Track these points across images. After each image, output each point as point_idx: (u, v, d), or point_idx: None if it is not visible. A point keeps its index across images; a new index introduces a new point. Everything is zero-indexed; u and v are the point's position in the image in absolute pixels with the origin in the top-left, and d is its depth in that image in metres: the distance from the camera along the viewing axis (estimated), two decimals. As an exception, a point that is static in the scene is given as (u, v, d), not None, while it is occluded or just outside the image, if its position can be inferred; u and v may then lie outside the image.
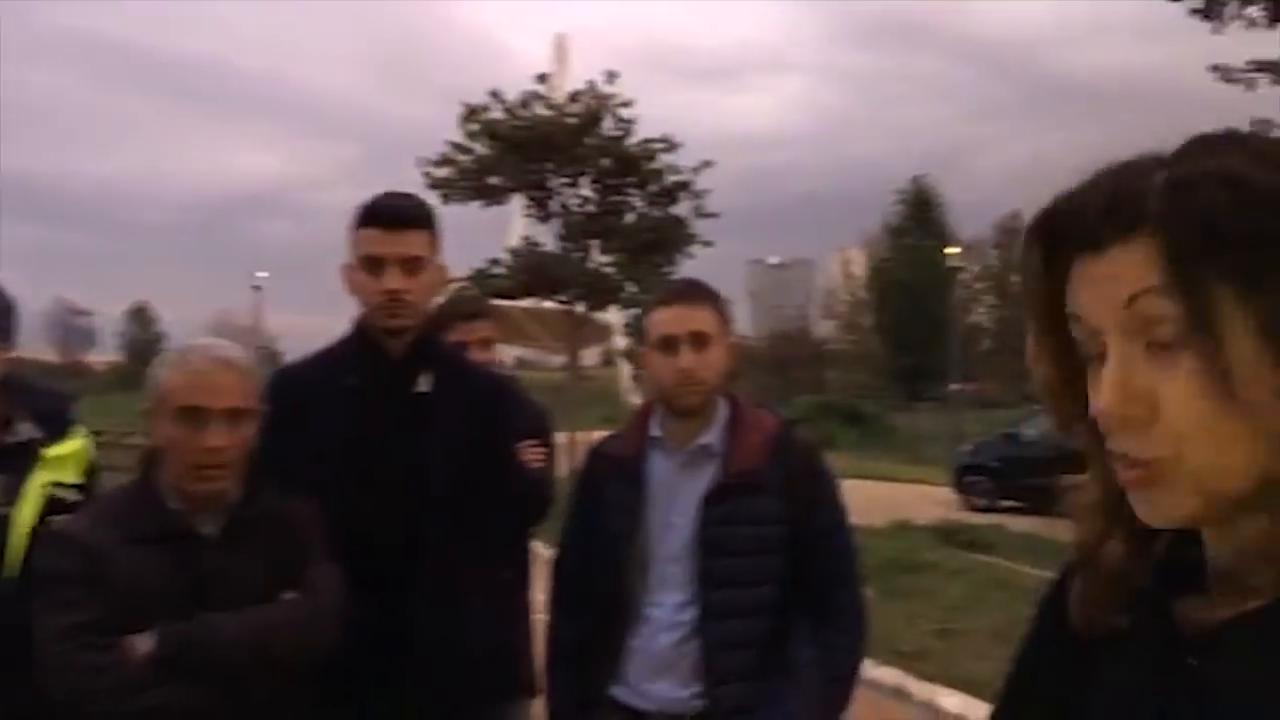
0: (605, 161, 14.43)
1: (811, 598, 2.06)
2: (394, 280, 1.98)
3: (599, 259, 15.52)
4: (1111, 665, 0.70)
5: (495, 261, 15.33)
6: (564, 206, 15.05)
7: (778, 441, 2.09)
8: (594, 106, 14.04)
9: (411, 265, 2.00)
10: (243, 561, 1.77)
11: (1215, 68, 7.29)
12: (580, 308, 15.66)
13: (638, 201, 15.25)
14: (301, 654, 1.77)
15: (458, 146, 14.56)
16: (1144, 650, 0.68)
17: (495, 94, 14.19)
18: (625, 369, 38.00)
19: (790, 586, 2.05)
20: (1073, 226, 0.62)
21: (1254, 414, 0.56)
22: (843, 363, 53.93)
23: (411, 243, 2.01)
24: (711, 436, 2.09)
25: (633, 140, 14.72)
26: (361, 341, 2.07)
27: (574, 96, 14.35)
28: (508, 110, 14.25)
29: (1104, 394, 0.60)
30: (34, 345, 42.79)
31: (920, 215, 52.55)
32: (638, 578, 2.09)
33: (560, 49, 25.78)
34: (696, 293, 2.11)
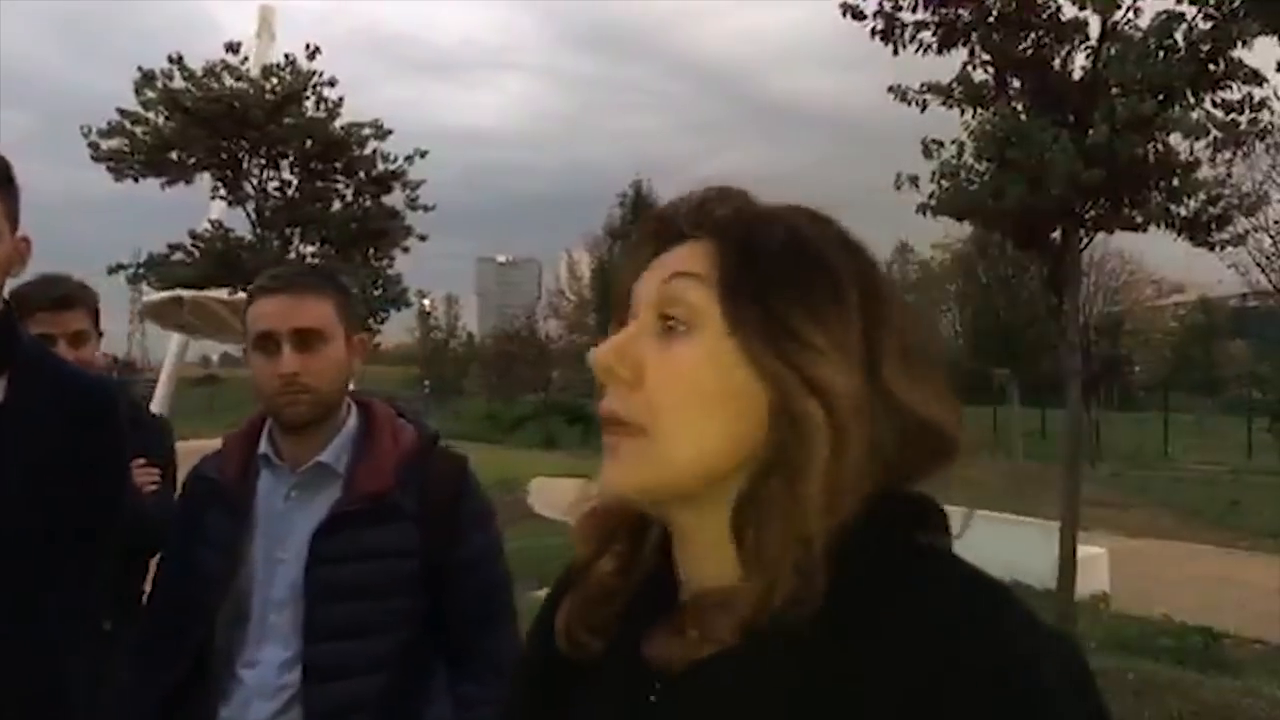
0: (308, 143, 13.35)
1: (454, 645, 1.74)
2: None
3: (303, 249, 14.37)
4: (583, 694, 0.72)
5: (176, 247, 13.77)
6: (261, 189, 13.78)
7: (415, 458, 1.75)
8: (292, 83, 12.92)
9: None
10: None
11: (891, 89, 7.78)
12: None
13: (345, 189, 14.28)
14: None
15: (128, 114, 12.91)
16: (612, 681, 0.70)
17: (177, 60, 12.72)
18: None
19: (429, 633, 1.72)
20: (668, 226, 0.74)
21: (719, 408, 0.66)
22: (568, 362, 54.73)
23: None
24: (331, 454, 1.71)
25: (339, 123, 13.73)
26: None
27: (269, 71, 13.15)
28: (192, 80, 12.82)
29: (601, 347, 0.69)
30: None
31: (640, 218, 54.13)
32: (235, 630, 1.67)
33: (265, 22, 23.79)
34: (305, 280, 1.72)
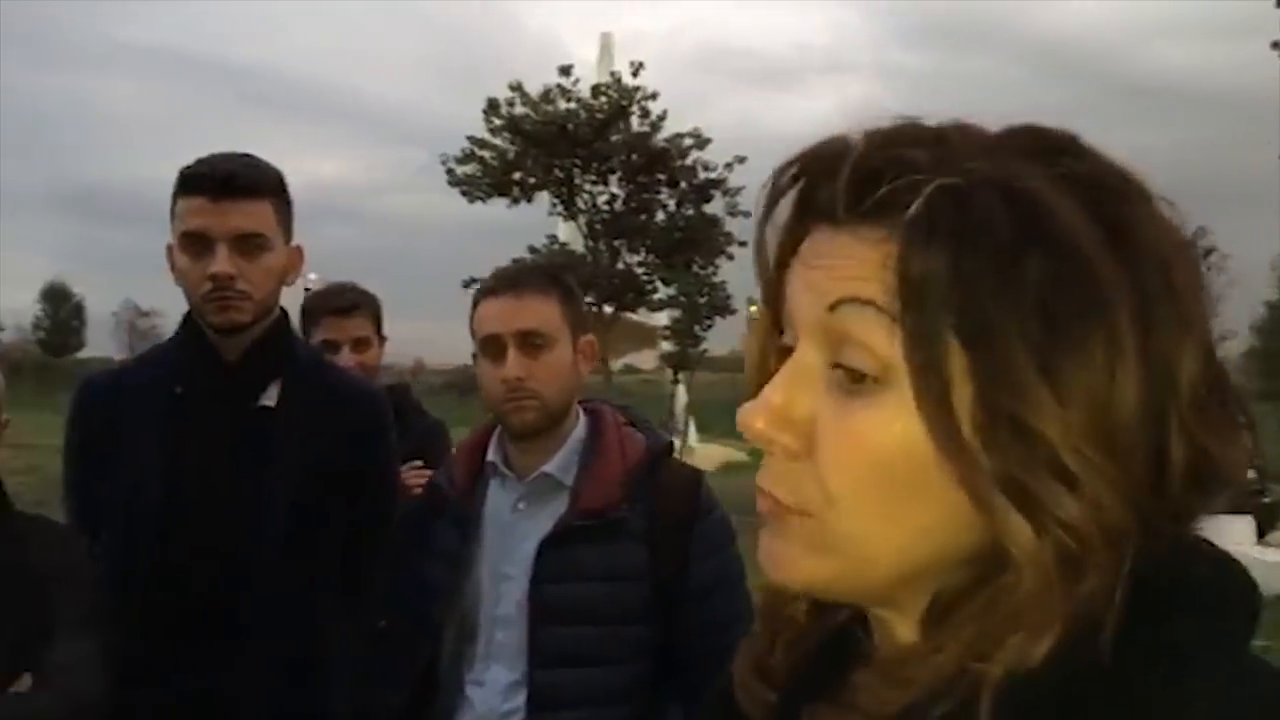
0: (633, 157, 13.96)
1: (685, 683, 1.55)
2: (222, 263, 1.57)
3: (629, 259, 15.06)
4: None
5: (517, 263, 14.97)
6: (591, 204, 14.62)
7: (643, 471, 1.58)
8: (617, 100, 13.55)
9: (246, 244, 1.60)
10: None
11: (1276, 44, 6.58)
12: (609, 309, 15.24)
13: (668, 200, 14.78)
14: None
15: (478, 142, 14.21)
16: None
17: (517, 88, 13.81)
18: (667, 373, 37.64)
19: (663, 666, 1.55)
20: (821, 180, 0.50)
21: (921, 494, 0.46)
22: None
23: (247, 215, 1.60)
24: (557, 464, 1.59)
25: (661, 135, 14.23)
26: (189, 341, 1.66)
27: (597, 90, 13.89)
28: (530, 104, 13.85)
29: (755, 407, 0.51)
30: (104, 346, 43.63)
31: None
32: (463, 646, 1.60)
33: (605, 48, 25.36)
34: (530, 280, 1.60)
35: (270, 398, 1.66)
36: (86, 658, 1.41)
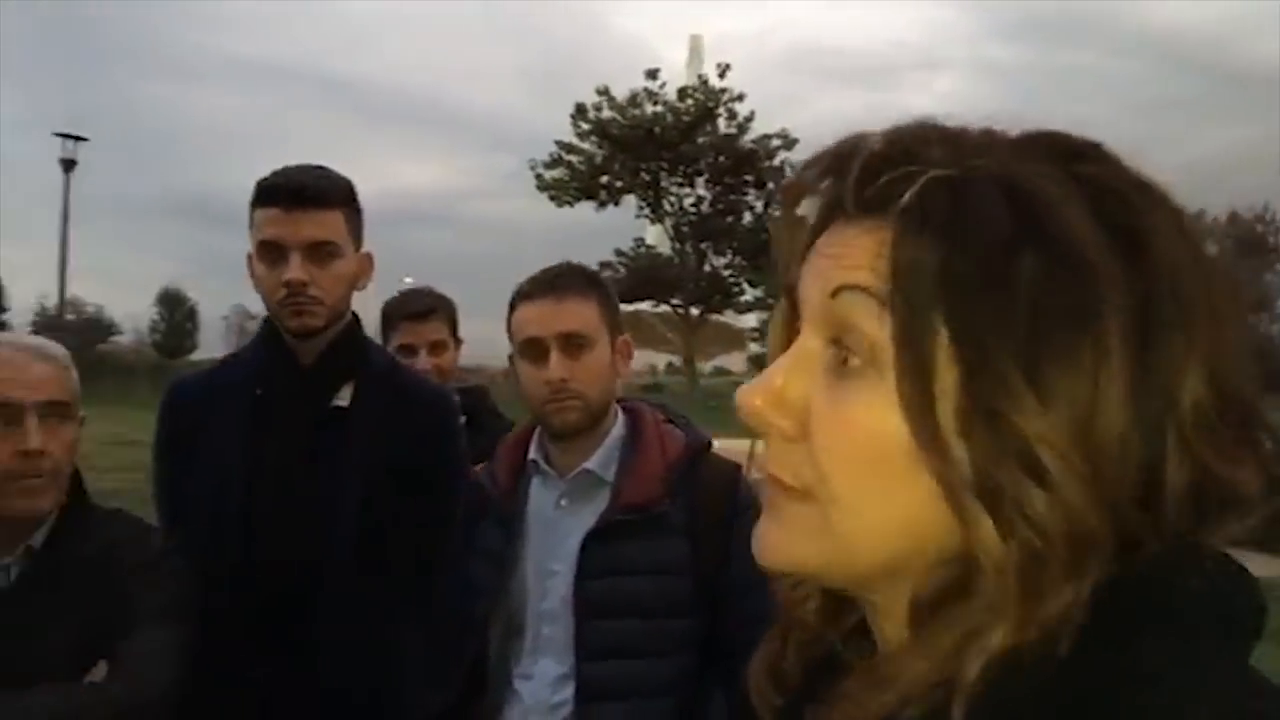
0: (719, 159, 13.92)
1: (730, 671, 1.54)
2: (296, 270, 1.63)
3: (715, 261, 15.04)
4: None
5: (605, 265, 15.09)
6: (678, 206, 14.64)
7: (683, 466, 1.59)
8: (704, 102, 13.54)
9: (318, 252, 1.66)
10: (39, 623, 1.38)
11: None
12: (696, 312, 15.24)
13: (755, 201, 14.71)
14: None
15: (566, 146, 14.39)
16: None
17: (604, 92, 13.92)
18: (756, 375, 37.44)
19: (707, 656, 1.55)
20: (837, 175, 0.51)
21: (909, 476, 0.46)
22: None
23: (320, 225, 1.66)
24: (598, 461, 1.60)
25: (749, 137, 14.16)
26: (268, 345, 1.74)
27: (684, 93, 13.91)
28: (616, 108, 13.96)
29: (754, 386, 0.52)
30: (215, 348, 45.60)
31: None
32: (510, 642, 1.62)
33: (694, 50, 25.37)
34: (568, 282, 1.61)
35: (344, 398, 1.72)
36: (161, 649, 1.44)
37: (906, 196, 0.46)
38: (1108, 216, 0.45)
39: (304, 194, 1.66)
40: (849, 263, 0.49)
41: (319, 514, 1.67)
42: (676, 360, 36.47)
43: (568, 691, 1.55)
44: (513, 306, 1.64)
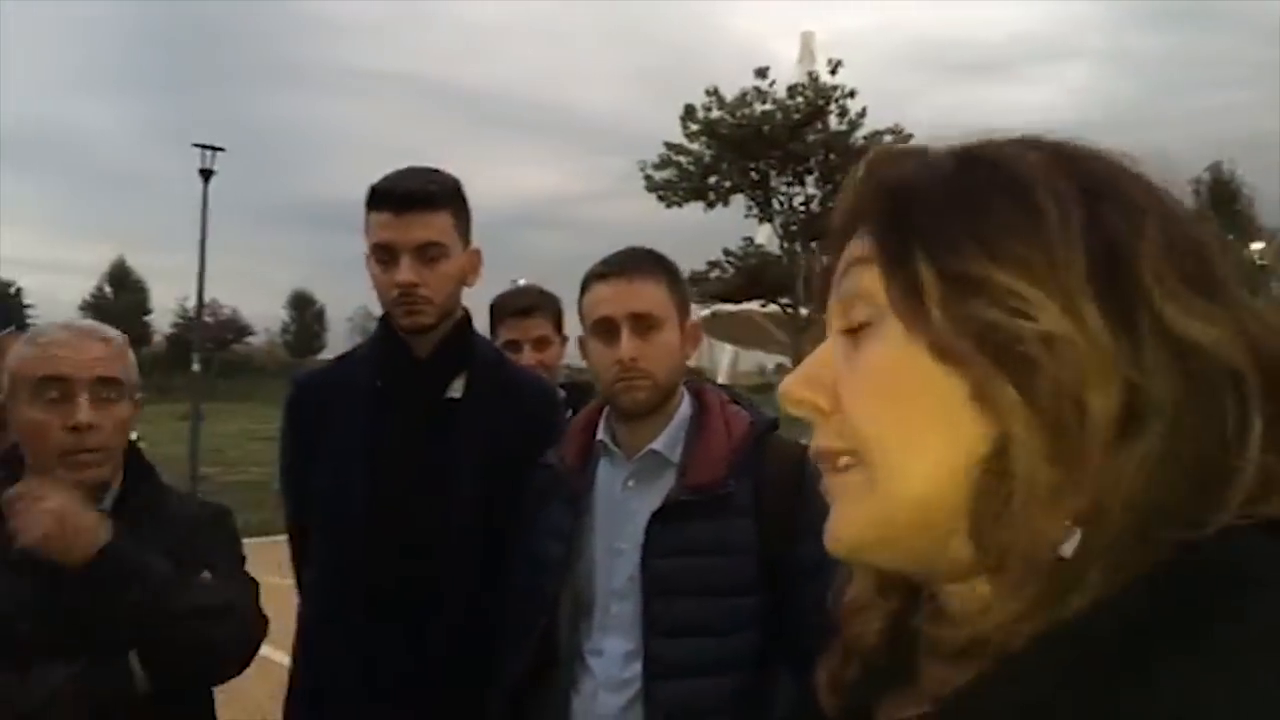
0: (829, 156, 13.72)
1: (798, 649, 1.54)
2: (407, 272, 1.71)
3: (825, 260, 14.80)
4: None
5: (714, 265, 15.04)
6: (788, 206, 14.49)
7: (748, 447, 1.59)
8: (814, 99, 13.36)
9: (427, 253, 1.73)
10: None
11: None
12: (805, 311, 15.05)
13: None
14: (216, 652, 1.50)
15: (675, 147, 14.41)
16: None
17: (713, 92, 13.89)
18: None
19: (772, 636, 1.55)
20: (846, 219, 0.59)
21: (931, 414, 0.50)
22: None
23: (428, 227, 1.73)
24: (664, 441, 1.62)
25: (860, 133, 13.91)
26: (386, 341, 1.83)
27: (794, 90, 13.75)
28: (725, 108, 13.91)
29: (791, 376, 0.58)
30: (341, 347, 47.56)
31: (1220, 207, 47.06)
32: (581, 619, 1.66)
33: (806, 47, 25.08)
34: (639, 264, 1.64)
35: (456, 390, 1.79)
36: (242, 591, 1.58)
37: (875, 189, 0.54)
38: (1068, 165, 0.51)
39: (412, 198, 1.74)
40: (854, 253, 0.55)
41: (437, 497, 1.75)
42: (786, 361, 36.12)
43: (636, 668, 1.58)
44: (584, 288, 1.68)
